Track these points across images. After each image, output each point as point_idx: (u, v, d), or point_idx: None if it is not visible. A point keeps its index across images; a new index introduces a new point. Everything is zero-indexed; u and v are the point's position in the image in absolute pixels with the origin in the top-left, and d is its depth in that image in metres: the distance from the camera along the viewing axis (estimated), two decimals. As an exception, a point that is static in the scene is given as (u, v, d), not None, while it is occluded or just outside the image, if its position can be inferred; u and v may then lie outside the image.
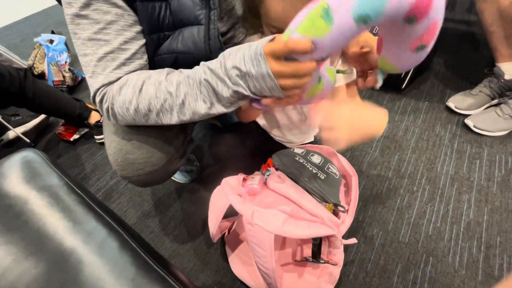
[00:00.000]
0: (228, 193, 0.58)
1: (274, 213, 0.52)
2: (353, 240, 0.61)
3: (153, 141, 0.57)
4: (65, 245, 0.39)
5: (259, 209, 0.52)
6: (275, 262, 0.51)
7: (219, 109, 0.44)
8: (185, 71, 0.46)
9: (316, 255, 0.58)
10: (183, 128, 0.66)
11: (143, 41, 0.49)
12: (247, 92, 0.40)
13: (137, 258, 0.39)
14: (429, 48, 0.40)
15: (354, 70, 0.58)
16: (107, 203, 0.91)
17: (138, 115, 0.47)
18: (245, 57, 0.38)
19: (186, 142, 0.69)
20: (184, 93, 0.44)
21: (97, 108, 0.49)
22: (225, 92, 0.41)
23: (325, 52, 0.37)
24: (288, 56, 0.36)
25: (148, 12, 0.47)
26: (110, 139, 0.57)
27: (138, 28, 0.48)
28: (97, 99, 0.48)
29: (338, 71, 0.54)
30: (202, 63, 0.44)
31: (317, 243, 0.57)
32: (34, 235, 0.41)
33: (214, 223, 0.60)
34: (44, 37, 1.44)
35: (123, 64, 0.46)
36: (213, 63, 0.42)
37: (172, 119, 0.46)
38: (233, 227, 0.72)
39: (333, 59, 0.57)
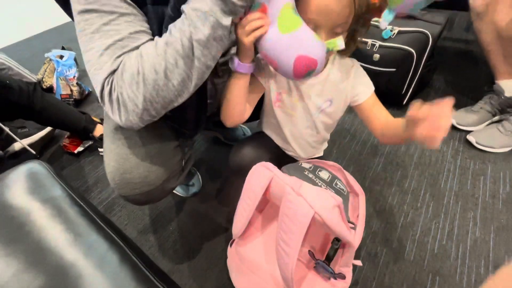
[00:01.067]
0: (271, 167, 0.55)
1: (326, 196, 0.49)
2: (357, 262, 0.60)
3: (151, 160, 0.57)
4: (65, 258, 0.39)
5: (308, 185, 0.51)
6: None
7: (205, 31, 0.41)
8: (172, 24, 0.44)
9: (330, 258, 0.56)
10: (181, 145, 0.66)
11: (154, 37, 0.47)
12: None
13: (137, 273, 0.39)
14: None
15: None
16: (109, 215, 0.91)
17: (147, 86, 0.42)
18: None
19: (185, 160, 0.68)
20: (178, 35, 0.41)
21: (105, 104, 0.45)
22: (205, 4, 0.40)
23: None
24: None
25: (159, 15, 0.47)
26: (109, 157, 0.57)
27: (148, 26, 0.47)
28: (106, 90, 0.43)
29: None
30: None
31: (337, 247, 0.55)
32: (35, 247, 0.41)
33: (251, 207, 0.56)
34: (55, 52, 1.49)
35: (132, 50, 0.43)
36: None
37: (180, 72, 0.43)
38: (236, 240, 0.71)
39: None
